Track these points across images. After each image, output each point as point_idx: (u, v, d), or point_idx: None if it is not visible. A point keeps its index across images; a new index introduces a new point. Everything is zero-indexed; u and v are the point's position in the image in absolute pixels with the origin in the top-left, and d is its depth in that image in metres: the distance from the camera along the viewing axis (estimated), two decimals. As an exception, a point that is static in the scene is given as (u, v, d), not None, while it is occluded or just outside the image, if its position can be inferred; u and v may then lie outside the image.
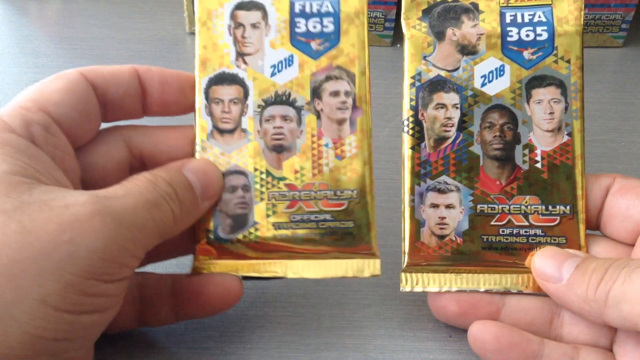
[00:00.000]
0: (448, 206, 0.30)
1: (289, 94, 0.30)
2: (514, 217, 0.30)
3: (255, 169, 0.30)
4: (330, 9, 0.31)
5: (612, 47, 0.50)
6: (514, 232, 0.30)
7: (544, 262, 0.28)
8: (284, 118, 0.30)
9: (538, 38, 0.31)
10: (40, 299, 0.22)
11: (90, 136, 0.30)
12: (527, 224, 0.30)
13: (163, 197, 0.26)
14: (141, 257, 0.25)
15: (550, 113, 0.31)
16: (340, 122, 0.30)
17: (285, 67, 0.30)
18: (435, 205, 0.30)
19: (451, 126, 0.31)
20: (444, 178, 0.30)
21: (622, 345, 0.28)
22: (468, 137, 0.31)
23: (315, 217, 0.30)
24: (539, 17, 0.31)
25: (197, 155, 0.30)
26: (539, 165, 0.30)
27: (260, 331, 0.31)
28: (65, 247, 0.22)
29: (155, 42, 0.50)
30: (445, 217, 0.30)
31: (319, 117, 0.30)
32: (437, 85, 0.31)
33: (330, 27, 0.30)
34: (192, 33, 0.50)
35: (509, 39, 0.31)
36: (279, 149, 0.30)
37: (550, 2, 0.31)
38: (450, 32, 0.31)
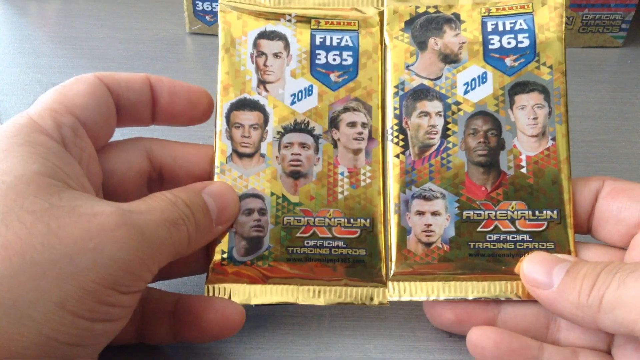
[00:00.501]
0: (434, 213, 0.30)
1: (308, 123, 0.31)
2: (501, 223, 0.30)
3: (272, 193, 0.31)
4: (350, 44, 0.32)
5: (612, 47, 0.50)
6: (501, 238, 0.30)
7: (533, 267, 0.28)
8: (302, 145, 0.31)
9: (520, 45, 0.31)
10: (58, 302, 0.22)
11: (106, 140, 0.30)
12: (514, 229, 0.30)
13: (181, 218, 0.27)
14: (155, 273, 0.26)
15: (534, 118, 0.31)
16: (356, 152, 0.31)
17: (305, 97, 0.31)
18: (421, 213, 0.30)
19: (435, 133, 0.31)
20: (429, 185, 0.31)
21: (620, 349, 0.28)
22: (452, 144, 0.31)
23: (329, 243, 0.30)
24: (520, 24, 0.31)
25: (215, 177, 0.31)
26: (524, 170, 0.30)
27: (260, 331, 0.32)
28: (89, 255, 0.23)
29: (155, 42, 0.50)
30: (431, 224, 0.30)
31: (335, 146, 0.31)
32: (421, 93, 0.31)
33: (349, 61, 0.32)
34: (192, 33, 0.51)
35: (490, 46, 0.31)
36: (295, 175, 0.31)
37: (531, 10, 0.32)
38: (432, 41, 0.32)
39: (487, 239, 0.30)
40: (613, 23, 0.48)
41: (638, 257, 0.28)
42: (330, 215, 0.30)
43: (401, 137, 0.31)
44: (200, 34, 0.51)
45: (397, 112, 0.31)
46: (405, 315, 0.32)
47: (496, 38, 0.31)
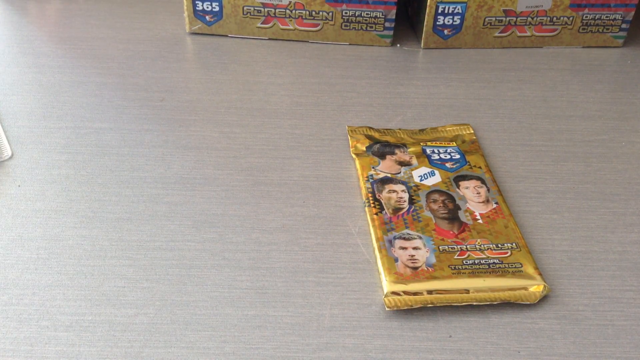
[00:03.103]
0: (415, 248, 0.35)
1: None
2: (472, 253, 0.35)
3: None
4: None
5: (612, 47, 0.50)
6: (476, 262, 0.35)
7: None
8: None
9: (453, 157, 0.42)
10: None
11: None
12: (484, 256, 0.35)
13: None
14: None
15: (478, 193, 0.39)
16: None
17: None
18: (403, 248, 0.35)
19: (404, 201, 0.38)
20: (406, 231, 0.36)
21: None
22: (419, 207, 0.38)
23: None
24: (451, 149, 0.43)
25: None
26: (480, 221, 0.37)
27: (260, 331, 0.31)
28: None
29: (155, 42, 0.49)
30: (414, 255, 0.35)
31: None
32: (386, 180, 0.40)
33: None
34: (192, 33, 0.50)
35: (432, 158, 0.42)
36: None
37: (455, 144, 0.43)
38: (389, 155, 0.42)
39: (464, 263, 0.34)
40: (613, 23, 0.49)
41: None
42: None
43: (377, 204, 0.38)
44: (200, 34, 0.50)
45: (370, 190, 0.39)
46: (405, 315, 0.33)
47: (435, 154, 0.42)
